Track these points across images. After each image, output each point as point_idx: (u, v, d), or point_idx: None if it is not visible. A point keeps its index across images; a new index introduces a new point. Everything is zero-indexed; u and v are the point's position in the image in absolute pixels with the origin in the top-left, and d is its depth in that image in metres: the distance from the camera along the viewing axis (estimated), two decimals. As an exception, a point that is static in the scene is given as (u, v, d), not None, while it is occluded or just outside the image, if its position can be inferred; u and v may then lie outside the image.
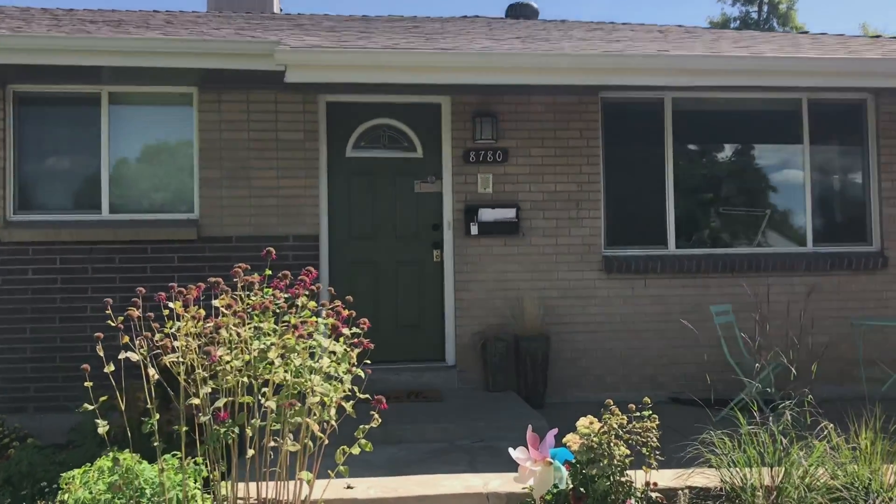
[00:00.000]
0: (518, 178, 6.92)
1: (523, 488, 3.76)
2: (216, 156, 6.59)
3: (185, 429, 3.38)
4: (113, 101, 6.63)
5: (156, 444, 3.36)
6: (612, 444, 3.69)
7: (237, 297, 3.50)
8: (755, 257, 7.07)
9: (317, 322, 3.50)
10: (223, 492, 3.46)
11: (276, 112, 6.66)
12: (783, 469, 3.89)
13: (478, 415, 5.75)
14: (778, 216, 7.50)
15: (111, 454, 3.56)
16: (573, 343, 6.85)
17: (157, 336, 3.33)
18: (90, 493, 3.52)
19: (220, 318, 3.37)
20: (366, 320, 3.57)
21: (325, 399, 3.37)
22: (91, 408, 3.30)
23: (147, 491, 3.52)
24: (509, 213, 6.82)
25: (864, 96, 7.35)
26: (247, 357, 3.34)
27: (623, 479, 3.72)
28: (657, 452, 3.81)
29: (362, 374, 3.52)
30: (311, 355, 3.44)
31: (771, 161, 7.56)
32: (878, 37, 8.37)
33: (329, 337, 3.51)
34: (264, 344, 3.37)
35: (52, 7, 8.26)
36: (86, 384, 3.33)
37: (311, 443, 3.41)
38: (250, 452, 3.29)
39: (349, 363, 3.49)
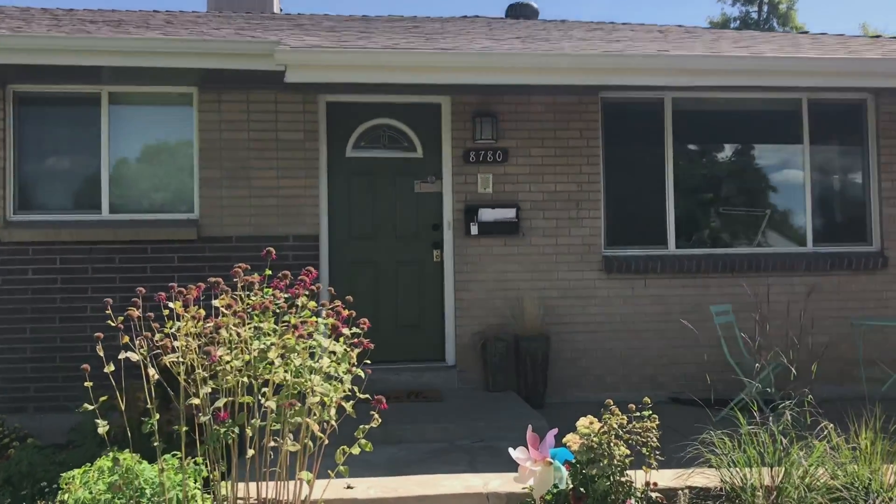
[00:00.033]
0: (518, 178, 6.92)
1: (523, 488, 3.76)
2: (216, 156, 6.59)
3: (185, 429, 3.38)
4: (113, 101, 6.63)
5: (156, 444, 3.36)
6: (612, 444, 3.69)
7: (237, 297, 3.50)
8: (755, 257, 7.07)
9: (317, 322, 3.50)
10: (223, 492, 3.46)
11: (276, 112, 6.66)
12: (783, 469, 3.89)
13: (478, 415, 5.75)
14: (778, 216, 7.50)
15: (111, 454, 3.56)
16: (573, 343, 6.85)
17: (157, 336, 3.33)
18: (90, 493, 3.52)
19: (220, 318, 3.38)
20: (366, 320, 3.57)
21: (325, 399, 3.37)
22: (91, 408, 3.30)
23: (147, 491, 3.52)
24: (509, 213, 6.82)
25: (864, 96, 7.35)
26: (247, 357, 3.34)
27: (623, 479, 3.72)
28: (657, 452, 3.81)
29: (362, 375, 3.52)
30: (311, 355, 3.44)
31: (771, 161, 7.56)
32: (878, 37, 8.36)
33: (329, 337, 3.51)
34: (264, 344, 3.36)
35: (52, 7, 8.27)
36: (86, 384, 3.33)
37: (311, 443, 3.41)
38: (250, 452, 3.29)
39: (349, 363, 3.49)
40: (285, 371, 3.32)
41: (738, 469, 3.96)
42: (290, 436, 3.32)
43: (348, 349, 3.52)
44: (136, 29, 6.70)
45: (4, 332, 6.27)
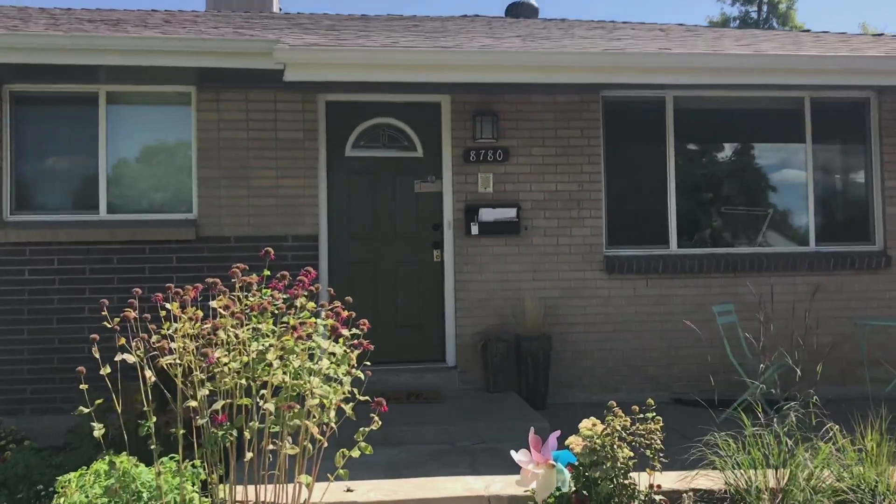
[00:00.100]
0: (519, 178, 6.88)
1: (525, 491, 3.71)
2: (215, 155, 6.55)
3: (182, 431, 3.33)
4: (111, 100, 6.59)
5: (153, 446, 3.32)
6: (615, 447, 3.65)
7: (235, 298, 3.46)
8: (757, 257, 7.02)
9: (316, 323, 3.46)
10: (221, 495, 3.42)
11: (275, 111, 6.61)
12: (788, 471, 3.85)
13: (478, 416, 5.70)
14: (780, 216, 7.45)
15: (107, 457, 3.51)
16: (574, 343, 6.81)
17: (154, 338, 3.28)
18: (86, 496, 3.47)
19: (218, 319, 3.33)
20: (365, 321, 3.52)
21: (325, 401, 3.33)
22: (87, 411, 3.25)
23: (144, 494, 3.48)
24: (510, 213, 6.78)
25: (866, 94, 7.31)
26: (245, 359, 3.30)
27: (626, 482, 3.68)
28: (661, 454, 3.76)
29: (362, 376, 3.48)
30: (311, 357, 3.40)
31: (773, 160, 7.51)
32: (880, 35, 8.32)
33: (328, 338, 3.47)
34: (263, 345, 3.32)
35: (49, 6, 8.22)
36: (81, 387, 3.28)
37: (310, 445, 3.37)
38: (248, 455, 3.25)
39: (349, 365, 3.45)
40: (284, 373, 3.28)
41: (742, 471, 3.92)
42: (289, 438, 3.28)
43: (348, 350, 3.48)
44: (135, 28, 6.65)
45: (1, 334, 6.23)
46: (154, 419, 3.31)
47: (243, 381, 3.30)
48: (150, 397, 3.30)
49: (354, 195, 6.92)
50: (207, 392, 3.26)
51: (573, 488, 3.68)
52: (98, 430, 3.27)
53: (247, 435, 3.26)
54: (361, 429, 3.35)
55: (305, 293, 3.54)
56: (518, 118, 6.88)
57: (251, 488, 3.43)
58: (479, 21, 8.81)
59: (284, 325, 3.40)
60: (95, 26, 6.69)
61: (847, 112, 7.42)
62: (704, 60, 6.20)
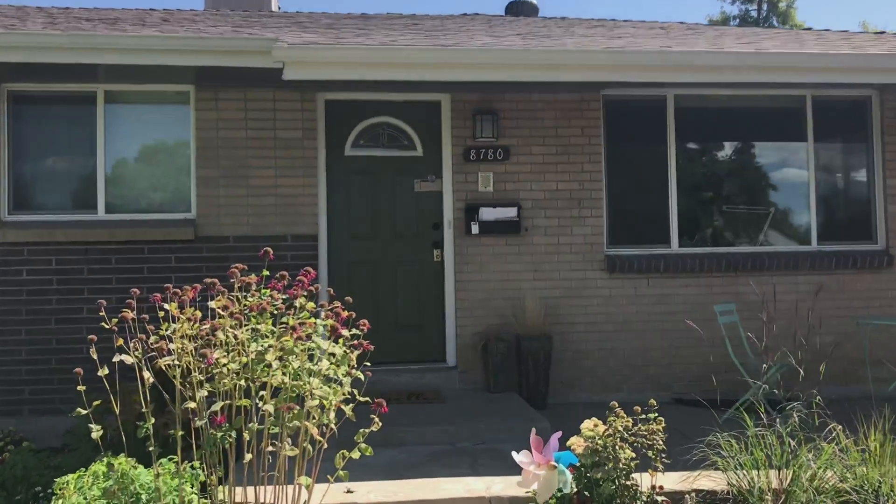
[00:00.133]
0: (519, 177, 6.85)
1: (527, 492, 3.68)
2: (213, 155, 6.52)
3: (181, 433, 3.30)
4: (109, 99, 6.56)
5: (151, 448, 3.29)
6: (617, 448, 3.63)
7: (234, 299, 3.43)
8: (759, 256, 6.99)
9: (315, 324, 3.43)
10: (220, 496, 3.40)
11: (274, 110, 6.58)
12: (791, 472, 3.82)
13: (479, 416, 5.67)
14: (782, 215, 7.42)
15: (106, 459, 3.49)
16: (575, 343, 6.78)
17: (153, 339, 3.25)
18: (85, 498, 3.45)
19: (216, 319, 3.31)
20: (365, 322, 3.49)
21: (325, 402, 3.30)
22: (84, 412, 3.23)
23: (143, 496, 3.45)
24: (510, 212, 6.75)
25: (868, 93, 7.28)
26: (244, 359, 3.27)
27: (628, 483, 3.65)
28: (663, 455, 3.73)
29: (362, 377, 3.45)
30: (310, 357, 3.37)
31: (775, 159, 7.48)
32: (882, 33, 8.29)
33: (328, 339, 3.44)
34: (262, 346, 3.30)
35: (47, 5, 8.19)
36: (79, 388, 3.25)
37: (310, 447, 3.34)
38: (248, 457, 3.22)
39: (348, 365, 3.42)
40: (283, 374, 3.25)
41: (745, 472, 3.89)
42: (289, 440, 3.25)
43: (348, 351, 3.45)
44: (133, 27, 6.62)
45: (-1, 334, 6.20)
46: (152, 420, 3.28)
47: (242, 382, 3.27)
48: (149, 398, 3.28)
49: (354, 194, 6.89)
50: (206, 393, 3.24)
51: (575, 489, 3.65)
52: (96, 432, 3.25)
53: (246, 436, 3.23)
54: (362, 430, 3.32)
55: (305, 293, 3.51)
56: (518, 117, 6.85)
57: (250, 490, 3.40)
58: (478, 19, 8.77)
59: (284, 325, 3.37)
60: (94, 25, 6.65)
61: (849, 110, 7.39)
62: (706, 59, 6.16)
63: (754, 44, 6.92)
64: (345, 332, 3.43)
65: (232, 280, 3.49)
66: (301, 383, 3.27)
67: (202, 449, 3.29)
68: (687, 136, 7.24)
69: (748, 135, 7.47)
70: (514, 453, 3.64)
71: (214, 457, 3.30)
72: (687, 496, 3.98)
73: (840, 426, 4.05)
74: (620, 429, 3.68)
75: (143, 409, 3.28)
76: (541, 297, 6.69)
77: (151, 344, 3.24)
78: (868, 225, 7.31)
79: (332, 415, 3.33)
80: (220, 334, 3.25)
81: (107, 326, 3.22)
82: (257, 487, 3.37)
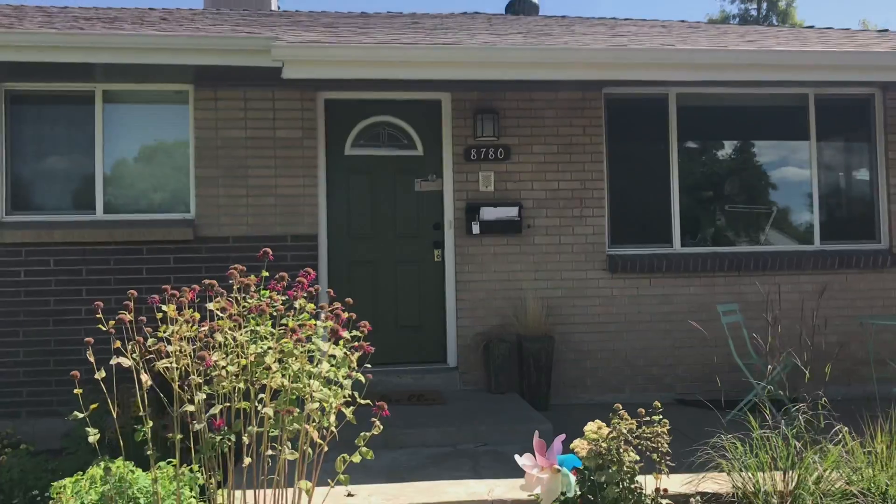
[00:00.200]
0: (520, 176, 6.80)
1: (530, 496, 3.63)
2: (212, 154, 6.47)
3: (179, 436, 3.26)
4: (107, 99, 6.52)
5: (149, 452, 3.25)
6: (621, 450, 3.58)
7: (233, 300, 3.39)
8: (762, 256, 6.95)
9: (315, 325, 3.38)
10: (220, 500, 3.35)
11: (273, 110, 6.54)
12: (797, 474, 3.78)
13: (480, 418, 5.63)
14: (784, 214, 7.38)
15: (103, 463, 3.44)
16: (577, 344, 6.74)
17: (150, 341, 3.21)
18: (82, 502, 3.40)
19: (215, 321, 3.26)
20: (366, 323, 3.45)
21: (325, 405, 3.25)
22: (81, 416, 3.18)
23: (141, 500, 3.41)
24: (511, 212, 6.70)
25: (871, 91, 7.24)
26: (243, 362, 3.22)
27: (633, 486, 3.60)
28: (667, 458, 3.69)
29: (362, 379, 3.41)
30: (310, 359, 3.32)
31: (777, 158, 7.44)
32: (885, 31, 8.24)
33: (328, 340, 3.39)
34: (261, 348, 3.25)
35: (45, 4, 8.14)
36: (76, 391, 3.21)
37: (310, 450, 3.30)
38: (247, 461, 3.18)
39: (349, 367, 3.37)
40: (283, 376, 3.21)
41: (750, 474, 3.84)
42: (289, 443, 3.21)
43: (348, 353, 3.40)
44: (131, 26, 6.58)
45: (-3, 336, 6.16)
46: (150, 424, 3.23)
47: (241, 385, 3.22)
48: (147, 402, 3.23)
49: (354, 194, 6.84)
50: (205, 396, 3.19)
51: (578, 493, 3.60)
52: (93, 436, 3.19)
53: (245, 440, 3.18)
54: (363, 434, 3.27)
55: (305, 295, 3.47)
56: (519, 116, 6.81)
57: (250, 493, 3.36)
58: (479, 18, 8.73)
59: (283, 327, 3.33)
60: (92, 24, 6.61)
61: (852, 109, 7.35)
62: (709, 56, 6.12)
63: (757, 42, 6.88)
64: (345, 334, 3.38)
65: (231, 281, 3.45)
66: (301, 386, 3.23)
67: (201, 452, 3.24)
68: (689, 134, 7.19)
69: (750, 133, 7.42)
70: (517, 456, 3.59)
71: (213, 460, 3.26)
72: (692, 499, 3.94)
73: (846, 428, 4.00)
74: (624, 431, 3.63)
75: (142, 413, 3.24)
76: (542, 298, 6.65)
77: (149, 346, 3.20)
78: (871, 224, 7.27)
79: (333, 418, 3.28)
80: (218, 336, 3.21)
81: (104, 328, 3.18)
82: (257, 491, 3.33)
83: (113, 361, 3.15)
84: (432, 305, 6.84)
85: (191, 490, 3.51)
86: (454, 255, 6.76)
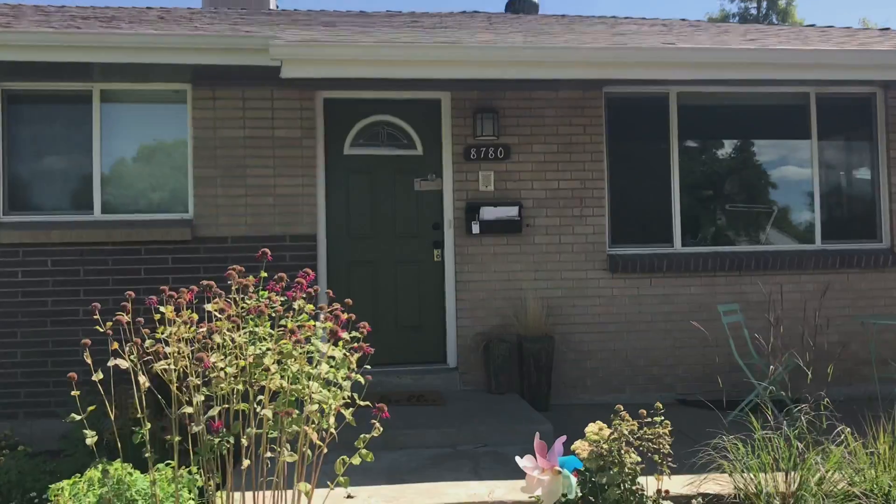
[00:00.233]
0: (520, 176, 6.78)
1: (531, 498, 3.61)
2: (211, 154, 6.44)
3: (177, 438, 3.23)
4: (105, 98, 6.48)
5: (147, 454, 3.22)
6: (622, 452, 3.56)
7: (231, 301, 3.36)
8: (763, 255, 6.93)
9: (314, 326, 3.36)
10: (218, 502, 3.32)
11: (271, 109, 6.51)
12: (799, 475, 3.75)
13: (480, 418, 5.60)
14: (785, 213, 7.36)
15: (101, 465, 3.42)
16: (577, 344, 6.71)
17: (148, 342, 3.18)
18: (79, 505, 3.38)
19: (213, 322, 3.23)
20: (365, 324, 3.42)
21: (324, 406, 3.23)
22: (79, 418, 3.15)
23: (139, 502, 3.39)
24: (511, 212, 6.68)
25: (873, 90, 7.21)
26: (242, 363, 3.20)
27: (634, 488, 3.58)
28: (669, 459, 3.67)
29: (362, 380, 3.38)
30: (309, 361, 3.30)
31: (778, 157, 7.41)
32: (886, 29, 8.22)
33: (328, 341, 3.37)
34: (260, 349, 3.22)
35: (42, 3, 8.11)
36: (73, 393, 3.18)
37: (309, 451, 3.28)
38: (246, 463, 3.15)
39: (348, 369, 3.35)
40: (282, 377, 3.18)
41: (752, 475, 3.82)
42: (288, 445, 3.18)
43: (347, 354, 3.38)
44: (129, 25, 6.55)
45: (-5, 336, 6.13)
46: (148, 426, 3.21)
47: (240, 387, 3.20)
48: (145, 403, 3.20)
49: (353, 194, 6.81)
50: (203, 398, 3.16)
51: (580, 494, 3.58)
52: (90, 438, 3.17)
53: (244, 441, 3.16)
54: (362, 436, 3.25)
55: (304, 295, 3.44)
56: (519, 115, 6.78)
57: (249, 495, 3.34)
58: (478, 17, 8.70)
59: (282, 328, 3.30)
60: (89, 23, 6.58)
61: (853, 108, 7.32)
62: (710, 55, 6.09)
63: (758, 40, 6.86)
64: (344, 335, 3.36)
65: (229, 282, 3.42)
66: (300, 387, 3.20)
67: (199, 454, 3.21)
68: (690, 133, 7.17)
69: (751, 132, 7.40)
70: (517, 458, 3.57)
71: (212, 462, 3.23)
72: (693, 500, 3.92)
73: (848, 428, 3.98)
74: (626, 433, 3.61)
75: (140, 415, 3.21)
76: (542, 297, 6.63)
77: (147, 348, 3.17)
78: (873, 223, 7.24)
79: (332, 419, 3.26)
80: (217, 338, 3.19)
81: (101, 330, 3.15)
82: (256, 493, 3.30)
83: (110, 363, 3.12)
84: (432, 305, 6.82)
85: (189, 492, 3.49)
86: (454, 254, 6.73)
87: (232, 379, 3.18)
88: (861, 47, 6.48)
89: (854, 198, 7.42)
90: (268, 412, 3.13)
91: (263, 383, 3.18)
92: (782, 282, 6.68)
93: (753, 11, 28.80)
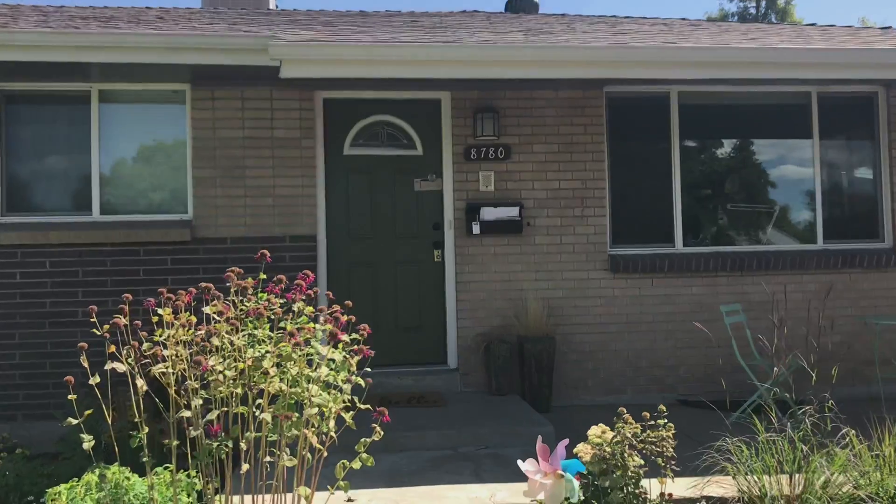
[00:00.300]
0: (521, 176, 6.74)
1: (532, 501, 3.58)
2: (210, 154, 6.41)
3: (176, 442, 3.20)
4: (103, 99, 6.46)
5: (145, 458, 3.18)
6: (625, 455, 3.52)
7: (230, 303, 3.32)
8: (764, 255, 6.89)
9: (314, 328, 3.32)
10: (217, 507, 3.29)
11: (271, 109, 6.48)
12: (804, 478, 3.72)
13: (481, 420, 5.57)
14: (787, 213, 7.33)
15: (98, 469, 3.38)
16: (579, 345, 6.68)
17: (146, 345, 3.15)
18: (77, 509, 3.34)
19: (212, 325, 3.20)
20: (366, 326, 3.39)
21: (324, 409, 3.19)
22: (75, 422, 3.12)
23: (137, 506, 3.35)
24: (512, 212, 6.64)
25: (874, 89, 7.18)
26: (241, 366, 3.16)
27: (637, 491, 3.54)
28: (672, 462, 3.63)
29: (362, 383, 3.34)
30: (309, 363, 3.26)
31: (779, 156, 7.38)
32: (888, 28, 8.19)
33: (327, 344, 3.33)
34: (259, 352, 3.19)
35: (41, 4, 8.07)
36: (70, 397, 3.15)
37: (309, 455, 3.24)
38: (245, 467, 3.12)
39: (348, 371, 3.31)
40: (281, 380, 3.15)
41: (755, 478, 3.79)
42: (287, 449, 3.15)
43: (347, 357, 3.34)
44: (127, 25, 6.51)
45: (-7, 338, 6.10)
46: (146, 430, 3.17)
47: (239, 390, 3.16)
48: (143, 407, 3.17)
49: (353, 194, 6.78)
50: (202, 401, 3.13)
51: (582, 498, 3.54)
52: (87, 443, 3.13)
53: (243, 445, 3.12)
54: (363, 439, 3.22)
55: (303, 297, 3.41)
56: (519, 115, 6.75)
57: (248, 499, 3.30)
58: (478, 16, 8.67)
59: (282, 330, 3.27)
60: (88, 23, 6.54)
61: (855, 107, 7.29)
62: (711, 54, 6.06)
63: (759, 39, 6.82)
64: (344, 338, 3.32)
65: (228, 284, 3.39)
66: (300, 390, 3.17)
67: (198, 458, 3.18)
68: (691, 133, 7.14)
69: (752, 132, 7.37)
70: (519, 462, 3.53)
71: (211, 466, 3.20)
72: (697, 504, 3.89)
73: (853, 430, 3.95)
74: (629, 435, 3.57)
75: (137, 418, 3.18)
76: (543, 298, 6.60)
77: (145, 351, 3.14)
78: (875, 223, 7.21)
79: (332, 423, 3.23)
80: (215, 340, 3.15)
81: (98, 332, 3.12)
82: (255, 497, 3.27)
83: (107, 367, 3.08)
84: (432, 306, 6.78)
85: (188, 496, 3.46)
86: (454, 255, 6.70)
87: (231, 382, 3.15)
88: (863, 46, 6.45)
89: (856, 197, 7.39)
90: (267, 416, 3.09)
91: (262, 386, 3.14)
92: (784, 282, 6.66)
93: (752, 11, 28.76)
